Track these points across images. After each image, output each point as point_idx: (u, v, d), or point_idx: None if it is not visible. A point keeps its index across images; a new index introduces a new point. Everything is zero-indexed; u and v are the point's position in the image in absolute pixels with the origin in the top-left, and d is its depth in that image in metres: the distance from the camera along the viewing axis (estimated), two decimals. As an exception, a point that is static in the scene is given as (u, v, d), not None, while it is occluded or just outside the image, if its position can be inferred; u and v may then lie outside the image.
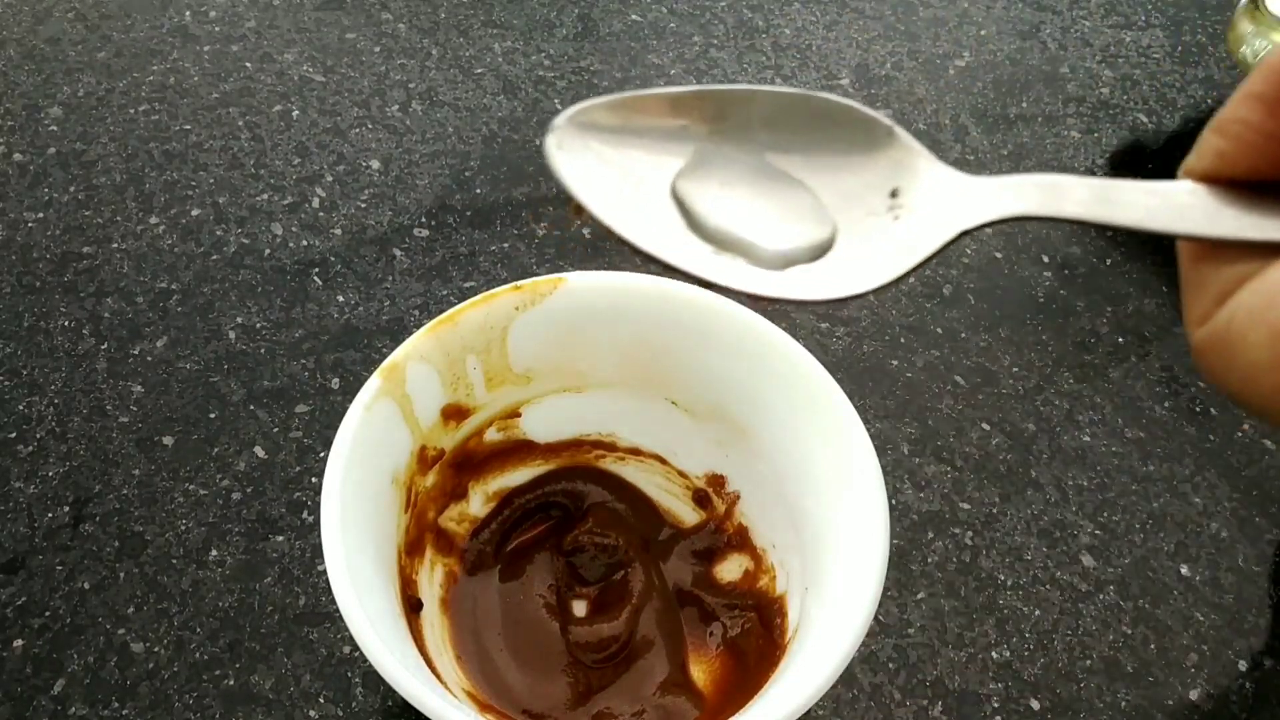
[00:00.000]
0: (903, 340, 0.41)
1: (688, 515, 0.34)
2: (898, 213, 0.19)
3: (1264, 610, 0.35)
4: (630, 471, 0.34)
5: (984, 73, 0.53)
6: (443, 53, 0.51)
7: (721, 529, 0.33)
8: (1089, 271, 0.45)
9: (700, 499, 0.34)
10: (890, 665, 0.33)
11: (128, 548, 0.34)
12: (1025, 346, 0.42)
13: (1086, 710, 0.33)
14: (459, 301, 0.30)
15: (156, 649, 0.32)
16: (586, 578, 0.32)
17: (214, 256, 0.42)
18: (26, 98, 0.47)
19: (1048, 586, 0.35)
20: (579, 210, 0.19)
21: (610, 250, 0.44)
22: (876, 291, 0.19)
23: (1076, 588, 0.35)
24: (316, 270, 0.42)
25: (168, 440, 0.36)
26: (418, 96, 0.49)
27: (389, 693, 0.31)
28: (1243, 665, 0.34)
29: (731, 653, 0.31)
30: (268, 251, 0.42)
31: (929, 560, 0.36)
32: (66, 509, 0.35)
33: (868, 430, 0.27)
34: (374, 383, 0.27)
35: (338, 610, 0.23)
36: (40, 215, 0.42)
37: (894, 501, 0.37)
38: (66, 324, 0.39)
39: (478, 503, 0.33)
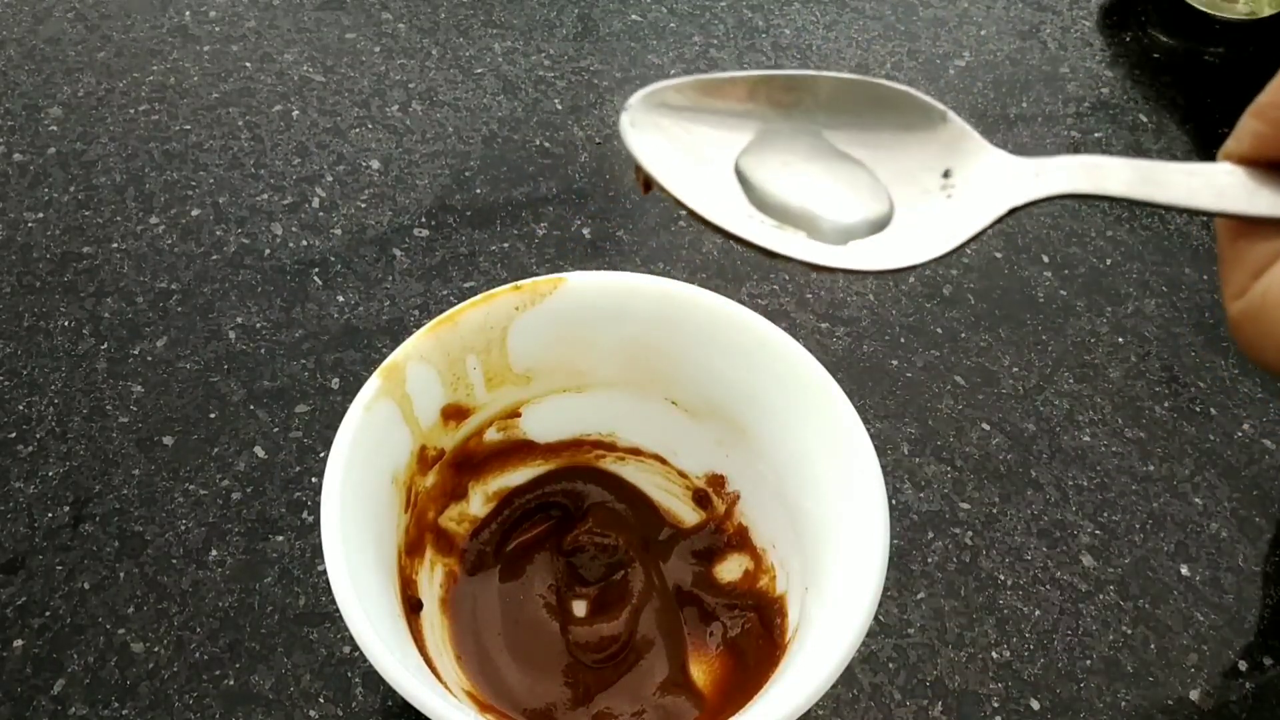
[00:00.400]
0: (903, 340, 0.41)
1: (688, 515, 0.34)
2: (950, 191, 0.20)
3: (1264, 610, 0.35)
4: (630, 471, 0.34)
5: (984, 73, 0.53)
6: (443, 53, 0.51)
7: (721, 529, 0.33)
8: (1089, 271, 0.45)
9: (700, 499, 0.34)
10: (890, 665, 0.33)
11: (128, 548, 0.34)
12: (1025, 346, 0.42)
13: (1086, 710, 0.33)
14: (459, 301, 0.30)
15: (156, 649, 0.32)
16: (586, 578, 0.32)
17: (214, 256, 0.42)
18: (26, 98, 0.47)
19: (1048, 586, 0.35)
20: (648, 184, 0.20)
21: (610, 250, 0.44)
22: (931, 263, 0.20)
23: (1076, 588, 0.35)
24: (316, 270, 0.42)
25: (168, 440, 0.36)
26: (418, 96, 0.49)
27: (389, 693, 0.31)
28: (1243, 665, 0.34)
29: (731, 653, 0.31)
30: (268, 251, 0.42)
31: (929, 560, 0.36)
32: (66, 509, 0.35)
33: (868, 430, 0.27)
34: (374, 383, 0.27)
35: (338, 610, 0.23)
36: (40, 215, 0.42)
37: (894, 501, 0.37)
38: (66, 324, 0.39)
39: (478, 503, 0.33)
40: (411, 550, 0.30)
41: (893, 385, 0.40)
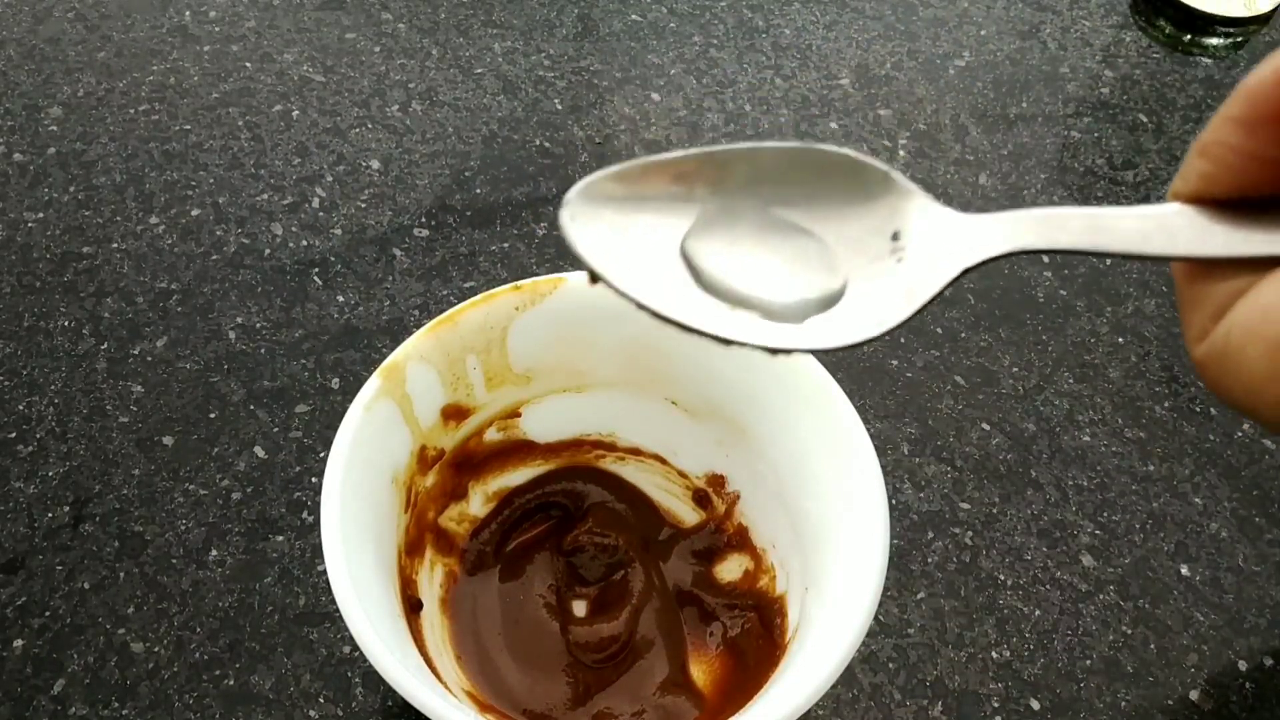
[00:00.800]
0: (903, 340, 0.41)
1: (688, 515, 0.34)
2: (900, 255, 0.20)
3: (1264, 610, 0.35)
4: (630, 471, 0.34)
5: (984, 73, 0.53)
6: (443, 53, 0.51)
7: (721, 529, 0.33)
8: (1089, 271, 0.45)
9: (700, 499, 0.34)
10: (890, 665, 0.33)
11: (128, 548, 0.34)
12: (1025, 346, 0.42)
13: (1086, 710, 0.33)
14: (459, 301, 0.30)
15: (156, 649, 0.32)
16: (586, 578, 0.32)
17: (214, 256, 0.42)
18: (26, 98, 0.47)
19: (1048, 586, 0.35)
20: (594, 279, 0.20)
21: (610, 250, 0.43)
22: (887, 334, 0.19)
23: (1076, 588, 0.35)
24: (316, 270, 0.42)
25: (168, 440, 0.36)
26: (418, 96, 0.49)
27: (389, 693, 0.31)
28: (1243, 665, 0.34)
29: (731, 653, 0.31)
30: (268, 251, 0.42)
31: (929, 560, 0.36)
32: (66, 509, 0.35)
33: (868, 430, 0.27)
34: (374, 383, 0.27)
35: (338, 610, 0.23)
36: (40, 215, 0.42)
37: (894, 501, 0.37)
38: (66, 324, 0.39)
39: (478, 503, 0.33)
40: (411, 550, 0.30)
41: (893, 385, 0.40)
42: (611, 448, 0.34)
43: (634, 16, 0.54)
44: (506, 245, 0.43)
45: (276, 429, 0.37)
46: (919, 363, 0.41)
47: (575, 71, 0.51)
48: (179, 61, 0.49)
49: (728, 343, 0.19)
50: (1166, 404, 0.41)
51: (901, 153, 0.49)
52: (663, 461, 0.34)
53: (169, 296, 0.40)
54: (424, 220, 0.44)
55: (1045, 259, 0.45)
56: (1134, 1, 0.58)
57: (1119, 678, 0.34)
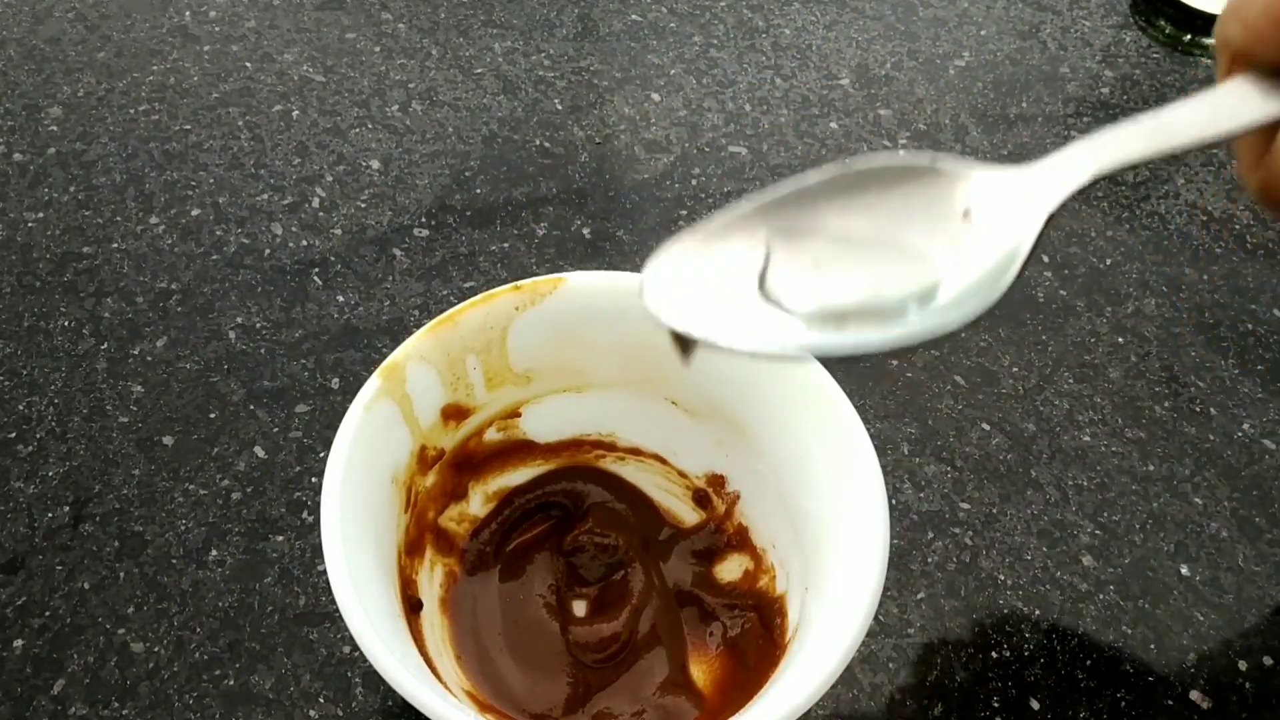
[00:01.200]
0: (903, 340, 0.41)
1: (688, 515, 0.34)
2: (980, 228, 0.20)
3: (1264, 610, 0.35)
4: (630, 471, 0.34)
5: (984, 73, 0.53)
6: (443, 53, 0.51)
7: (721, 529, 0.33)
8: (1089, 271, 0.45)
9: (700, 499, 0.34)
10: (890, 665, 0.33)
11: (128, 548, 0.34)
12: (1025, 346, 0.42)
13: (1086, 710, 0.33)
14: (459, 301, 0.30)
15: (156, 649, 0.32)
16: (586, 578, 0.32)
17: (214, 256, 0.42)
18: (26, 98, 0.47)
19: (1048, 586, 0.35)
20: (686, 348, 0.20)
21: (610, 250, 0.44)
22: (1004, 298, 0.19)
23: (1076, 588, 0.35)
24: (316, 270, 0.42)
25: (168, 440, 0.36)
26: (418, 96, 0.49)
27: (389, 693, 0.31)
28: (1243, 665, 0.34)
29: (731, 653, 0.31)
30: (268, 251, 0.42)
31: (929, 560, 0.36)
32: (66, 509, 0.35)
33: (868, 430, 0.27)
34: (374, 383, 0.27)
35: (338, 610, 0.23)
36: (40, 215, 0.42)
37: (894, 501, 0.37)
38: (66, 324, 0.39)
39: (478, 503, 0.33)
40: (411, 550, 0.30)
41: (893, 385, 0.40)
42: (611, 448, 0.34)
43: (634, 16, 0.54)
44: (506, 245, 0.43)
45: (276, 429, 0.37)
46: (919, 363, 0.41)
47: (575, 71, 0.51)
48: (179, 61, 0.49)
49: (858, 358, 0.19)
50: (1166, 404, 0.41)
51: (901, 153, 0.49)
52: (663, 461, 0.34)
53: (169, 296, 0.40)
54: (424, 220, 0.44)
55: (1045, 258, 0.45)
56: (1134, 1, 0.58)
57: (1119, 678, 0.34)
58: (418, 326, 0.29)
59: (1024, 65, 0.54)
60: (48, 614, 0.32)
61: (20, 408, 0.37)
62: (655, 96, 0.50)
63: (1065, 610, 0.35)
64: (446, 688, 0.26)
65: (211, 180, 0.44)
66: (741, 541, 0.32)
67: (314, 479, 0.36)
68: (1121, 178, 0.49)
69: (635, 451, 0.34)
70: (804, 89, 0.51)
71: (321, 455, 0.36)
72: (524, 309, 0.30)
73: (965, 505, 0.37)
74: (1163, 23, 0.57)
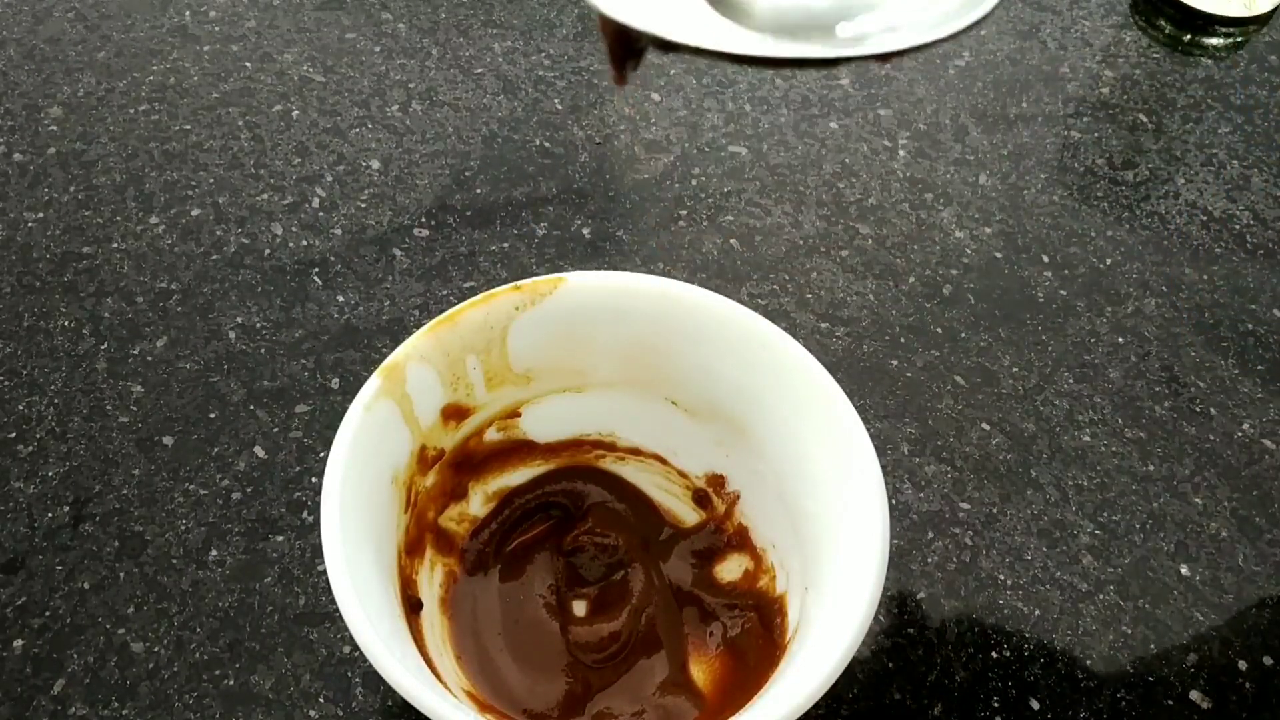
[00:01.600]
0: (903, 340, 0.41)
1: (688, 515, 0.34)
2: None
3: (1264, 610, 0.35)
4: (630, 471, 0.34)
5: (984, 73, 0.53)
6: (443, 53, 0.51)
7: (721, 529, 0.33)
8: (1089, 271, 0.45)
9: (700, 499, 0.34)
10: (890, 665, 0.33)
11: (128, 548, 0.34)
12: (1025, 346, 0.42)
13: (1086, 710, 0.33)
14: (459, 301, 0.30)
15: (156, 649, 0.32)
16: (586, 578, 0.32)
17: (214, 256, 0.42)
18: (26, 98, 0.47)
19: (1048, 586, 0.35)
20: (623, 61, 0.17)
21: (610, 250, 0.44)
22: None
23: (1076, 588, 0.35)
24: (316, 270, 0.42)
25: (168, 440, 0.36)
26: (418, 96, 0.49)
27: (389, 693, 0.31)
28: (1243, 665, 0.34)
29: (731, 653, 0.31)
30: (268, 251, 0.42)
31: (929, 560, 0.36)
32: (66, 509, 0.35)
33: (868, 430, 0.27)
34: (374, 383, 0.27)
35: (338, 610, 0.23)
36: (40, 215, 0.42)
37: (894, 501, 0.37)
38: (66, 324, 0.39)
39: (478, 503, 0.33)
40: (411, 550, 0.30)
41: (893, 385, 0.40)
42: (611, 448, 0.34)
43: (634, 16, 0.54)
44: (506, 245, 0.43)
45: (276, 429, 0.37)
46: (919, 363, 0.41)
47: (575, 71, 0.51)
48: (179, 61, 0.49)
49: (832, 62, 0.17)
50: (1166, 404, 0.41)
51: (901, 153, 0.49)
52: (663, 461, 0.34)
53: (169, 296, 0.40)
54: (424, 220, 0.44)
55: (1045, 258, 0.45)
56: (1134, 1, 0.58)
57: (1119, 678, 0.34)
58: (418, 326, 0.30)
59: (1024, 65, 0.54)
60: (48, 614, 0.32)
61: (20, 408, 0.37)
62: (655, 96, 0.50)
63: (1065, 610, 0.35)
64: (446, 688, 0.26)
65: (211, 180, 0.44)
66: (741, 541, 0.32)
67: (314, 479, 0.36)
68: (1121, 177, 0.49)
69: (635, 451, 0.34)
70: (804, 89, 0.51)
71: (321, 455, 0.36)
72: (524, 309, 0.30)
73: (965, 505, 0.37)
74: (1163, 23, 0.57)
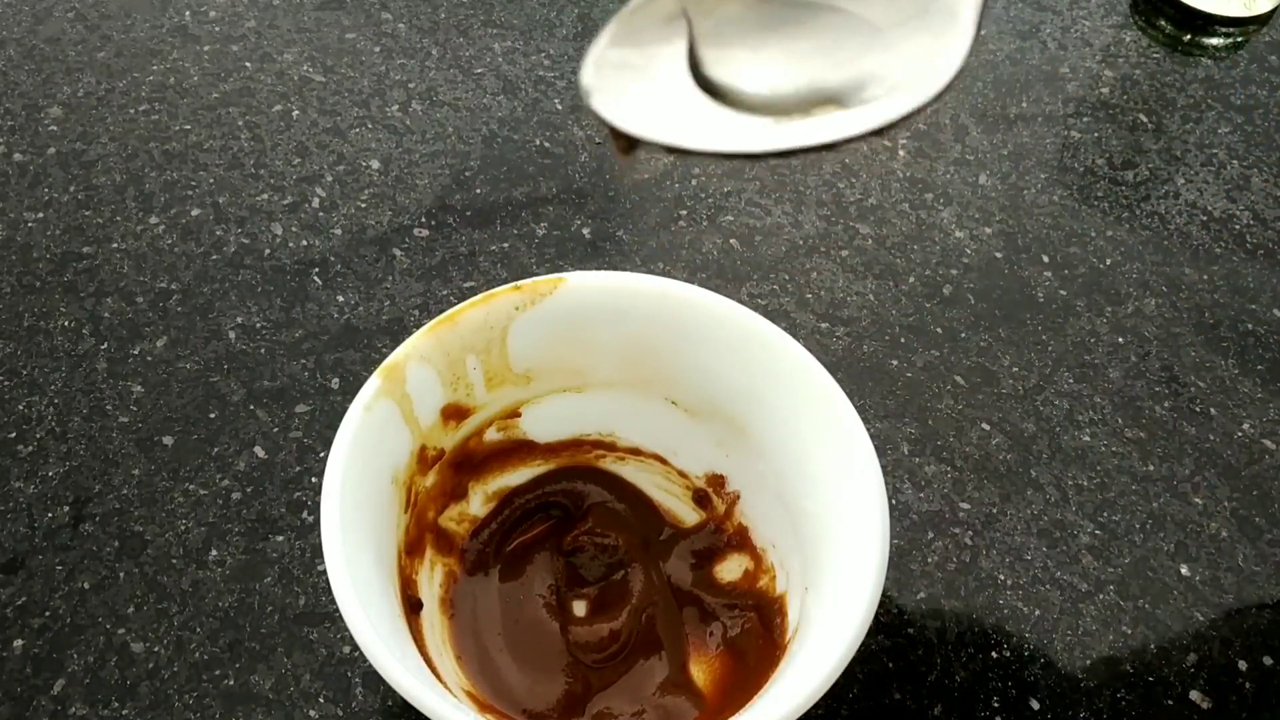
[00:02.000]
0: (903, 340, 0.41)
1: (688, 515, 0.34)
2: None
3: (1264, 610, 0.35)
4: (630, 471, 0.34)
5: (984, 73, 0.53)
6: (443, 53, 0.51)
7: (721, 529, 0.33)
8: (1089, 271, 0.45)
9: (700, 499, 0.34)
10: (890, 665, 0.33)
11: (128, 548, 0.34)
12: (1025, 346, 0.42)
13: (1086, 710, 0.33)
14: (459, 301, 0.30)
15: (156, 649, 0.32)
16: (586, 578, 0.32)
17: (214, 256, 0.42)
18: (26, 98, 0.47)
19: (1048, 586, 0.35)
20: (629, 147, 0.18)
21: (610, 250, 0.44)
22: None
23: (1076, 588, 0.35)
24: (316, 270, 0.42)
25: (168, 440, 0.36)
26: (418, 96, 0.49)
27: (389, 693, 0.31)
28: (1243, 665, 0.34)
29: (731, 653, 0.31)
30: (268, 251, 0.42)
31: (929, 560, 0.36)
32: (66, 509, 0.35)
33: (868, 430, 0.27)
34: (374, 383, 0.27)
35: (338, 610, 0.23)
36: (40, 215, 0.42)
37: (894, 501, 0.37)
38: (66, 324, 0.39)
39: (478, 503, 0.33)
40: (411, 550, 0.30)
41: (893, 385, 0.40)
42: (611, 448, 0.34)
43: (634, 16, 0.54)
44: (506, 245, 0.43)
45: (276, 429, 0.37)
46: (919, 363, 0.41)
47: (575, 71, 0.51)
48: (179, 61, 0.49)
49: (799, 151, 0.17)
50: (1166, 404, 0.41)
51: (901, 153, 0.49)
52: (663, 461, 0.34)
53: (169, 296, 0.40)
54: (424, 220, 0.44)
55: (1045, 258, 0.45)
56: (1134, 1, 0.58)
57: (1119, 678, 0.34)
58: (418, 326, 0.30)
59: (1024, 65, 0.54)
60: (48, 614, 0.32)
61: (20, 408, 0.37)
62: (655, 96, 0.50)
63: (1065, 610, 0.35)
64: (446, 688, 0.26)
65: (211, 180, 0.44)
66: (741, 541, 0.32)
67: (314, 479, 0.36)
68: (1121, 177, 0.49)
69: (635, 451, 0.34)
70: None
71: (321, 455, 0.36)
72: (524, 309, 0.30)
73: (965, 505, 0.37)
74: (1163, 23, 0.57)
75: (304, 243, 0.43)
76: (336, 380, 0.38)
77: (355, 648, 0.32)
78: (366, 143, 0.46)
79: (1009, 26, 0.56)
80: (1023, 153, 0.49)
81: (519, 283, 0.30)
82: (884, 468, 0.27)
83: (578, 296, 0.30)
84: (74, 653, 0.32)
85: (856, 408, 0.28)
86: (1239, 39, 0.57)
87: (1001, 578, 0.35)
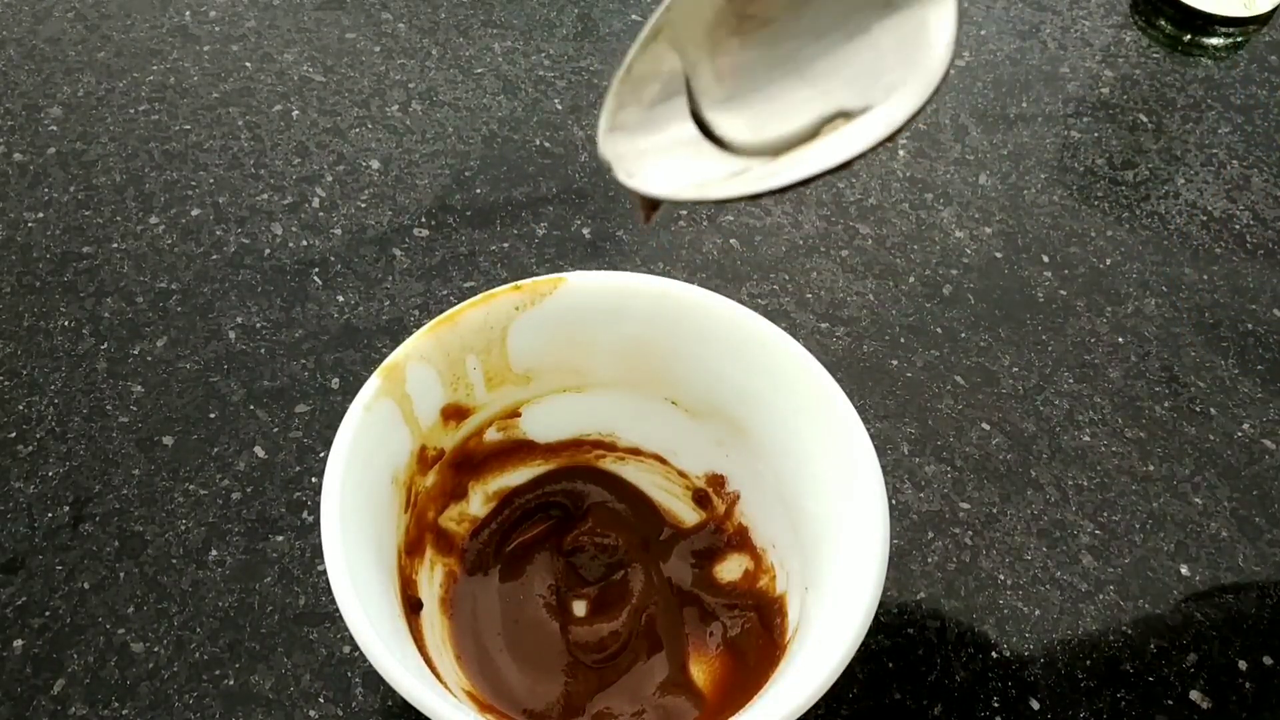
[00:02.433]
0: (903, 340, 0.41)
1: (688, 515, 0.34)
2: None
3: (1264, 610, 0.35)
4: (630, 471, 0.34)
5: (984, 73, 0.53)
6: (443, 53, 0.51)
7: (721, 529, 0.33)
8: (1089, 271, 0.45)
9: (700, 499, 0.34)
10: (890, 665, 0.33)
11: (128, 548, 0.34)
12: (1025, 346, 0.42)
13: (1086, 710, 0.33)
14: (459, 301, 0.30)
15: (156, 649, 0.32)
16: (586, 578, 0.32)
17: (214, 256, 0.42)
18: (26, 98, 0.47)
19: (1048, 586, 0.35)
20: (653, 209, 0.18)
21: (610, 250, 0.44)
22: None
23: (1076, 588, 0.35)
24: (316, 270, 0.42)
25: (168, 440, 0.36)
26: (418, 96, 0.49)
27: (389, 693, 0.31)
28: (1243, 665, 0.34)
29: (731, 653, 0.31)
30: (268, 251, 0.42)
31: (929, 560, 0.36)
32: (66, 509, 0.35)
33: (868, 430, 0.27)
34: (374, 383, 0.27)
35: (338, 610, 0.23)
36: (40, 215, 0.42)
37: (894, 501, 0.37)
38: (66, 324, 0.39)
39: (478, 503, 0.33)
40: (411, 550, 0.30)
41: (893, 385, 0.40)
42: (611, 448, 0.34)
43: (634, 16, 0.54)
44: (506, 245, 0.43)
45: (276, 429, 0.37)
46: (919, 363, 0.41)
47: (575, 71, 0.51)
48: (179, 61, 0.49)
49: (817, 176, 0.17)
50: (1166, 404, 0.41)
51: (901, 152, 0.49)
52: (663, 461, 0.34)
53: (169, 296, 0.40)
54: (424, 220, 0.44)
55: (1045, 258, 0.45)
56: (1134, 1, 0.58)
57: (1119, 678, 0.34)
58: (418, 326, 0.30)
59: (1024, 65, 0.54)
60: (48, 614, 0.32)
61: (20, 408, 0.37)
62: (655, 96, 0.50)
63: (1065, 610, 0.35)
64: (446, 688, 0.26)
65: (211, 180, 0.44)
66: (741, 541, 0.32)
67: (314, 479, 0.36)
68: (1121, 177, 0.49)
69: (635, 451, 0.34)
70: None
71: (321, 455, 0.36)
72: (524, 309, 0.30)
73: (965, 505, 0.37)
74: (1163, 23, 0.57)
75: (304, 243, 0.43)
76: (336, 380, 0.38)
77: (355, 648, 0.32)
78: (366, 143, 0.46)
79: (1009, 26, 0.56)
80: (1023, 153, 0.49)
81: (519, 283, 0.30)
82: (884, 468, 0.27)
83: (578, 296, 0.30)
84: (74, 653, 0.32)
85: (856, 408, 0.28)
86: (1239, 39, 0.57)
87: (1001, 578, 0.35)
